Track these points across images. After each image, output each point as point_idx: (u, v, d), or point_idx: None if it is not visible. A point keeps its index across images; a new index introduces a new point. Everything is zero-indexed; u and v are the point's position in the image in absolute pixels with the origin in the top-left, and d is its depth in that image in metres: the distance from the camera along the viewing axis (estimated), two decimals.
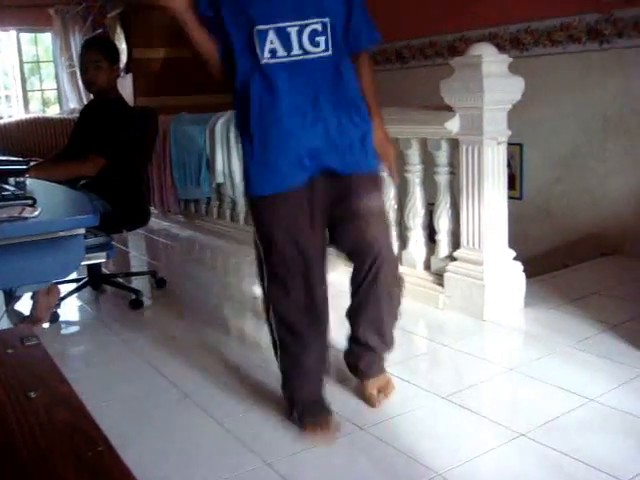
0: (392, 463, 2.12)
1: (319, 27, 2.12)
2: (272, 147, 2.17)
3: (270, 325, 2.38)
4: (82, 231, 1.69)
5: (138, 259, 5.34)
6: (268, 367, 2.69)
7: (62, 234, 1.66)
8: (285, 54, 2.12)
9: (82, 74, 3.86)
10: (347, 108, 2.22)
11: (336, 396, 2.47)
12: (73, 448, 0.81)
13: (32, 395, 0.97)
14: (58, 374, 1.03)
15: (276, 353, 2.41)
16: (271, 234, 2.23)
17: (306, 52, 2.13)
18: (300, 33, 2.11)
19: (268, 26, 2.09)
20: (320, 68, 2.16)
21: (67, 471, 0.75)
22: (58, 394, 0.97)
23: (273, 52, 2.11)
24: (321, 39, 2.14)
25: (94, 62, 3.73)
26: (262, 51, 2.11)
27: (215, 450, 2.23)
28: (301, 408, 2.31)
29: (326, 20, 2.13)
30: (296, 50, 2.12)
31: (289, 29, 2.10)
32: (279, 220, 2.21)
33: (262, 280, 2.37)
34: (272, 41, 2.10)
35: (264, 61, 2.12)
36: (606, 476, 1.97)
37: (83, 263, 1.76)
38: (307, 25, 2.11)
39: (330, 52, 2.16)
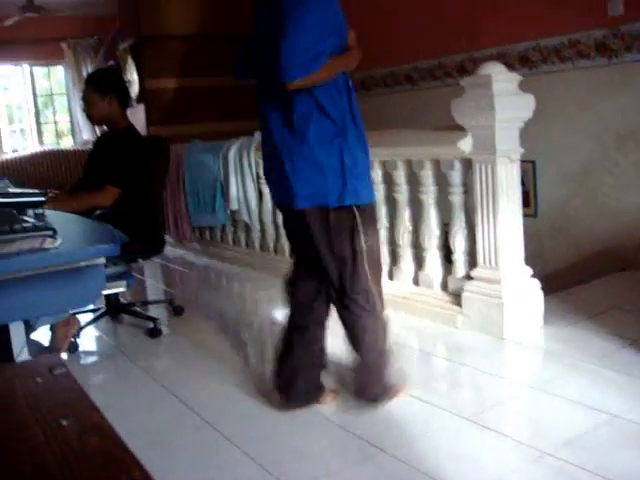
0: None
1: None
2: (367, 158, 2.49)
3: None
4: (103, 260, 1.71)
5: (155, 287, 5.35)
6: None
7: (83, 264, 1.68)
8: None
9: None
10: None
11: (358, 419, 2.46)
12: (107, 475, 0.81)
13: (64, 423, 0.97)
14: (88, 402, 1.04)
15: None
16: (375, 237, 2.54)
17: None
18: None
19: None
20: None
21: None
22: (89, 422, 0.97)
23: None
24: None
25: (85, 96, 3.89)
26: None
27: (238, 476, 2.22)
28: None
29: None
30: None
31: None
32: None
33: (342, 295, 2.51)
34: None
35: None
36: None
37: (104, 292, 1.79)
38: None
39: None
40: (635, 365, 2.83)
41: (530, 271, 3.42)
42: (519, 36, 4.92)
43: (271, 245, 5.20)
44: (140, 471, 0.80)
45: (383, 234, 4.08)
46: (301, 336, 2.61)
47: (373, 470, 2.21)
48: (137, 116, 6.81)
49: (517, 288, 3.36)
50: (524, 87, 3.30)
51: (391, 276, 4.03)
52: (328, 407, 2.65)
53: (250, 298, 4.82)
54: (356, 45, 2.41)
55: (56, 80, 9.15)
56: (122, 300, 4.26)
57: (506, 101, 3.18)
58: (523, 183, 3.50)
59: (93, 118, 3.96)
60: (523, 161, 3.42)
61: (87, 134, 8.62)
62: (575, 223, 4.74)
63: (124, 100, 3.91)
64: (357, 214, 2.40)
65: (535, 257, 3.58)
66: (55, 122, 9.27)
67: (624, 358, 2.92)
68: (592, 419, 2.40)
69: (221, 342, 3.60)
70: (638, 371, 2.77)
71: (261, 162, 2.97)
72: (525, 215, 3.50)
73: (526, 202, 4.42)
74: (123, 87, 3.98)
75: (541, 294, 3.43)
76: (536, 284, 3.43)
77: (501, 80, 3.20)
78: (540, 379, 2.82)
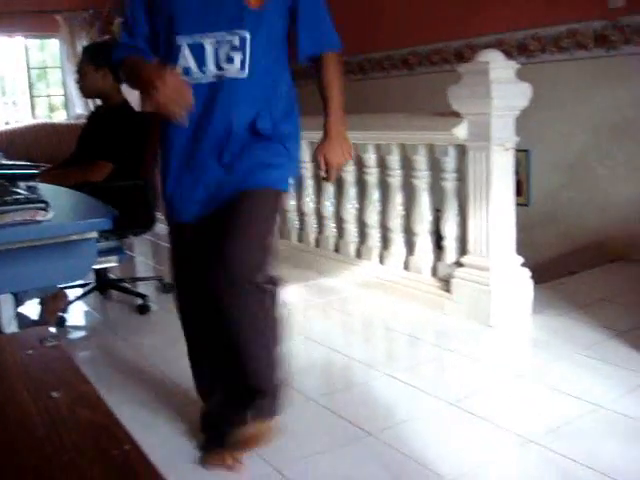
0: (401, 469, 2.12)
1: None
2: None
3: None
4: (95, 234, 1.70)
5: (144, 264, 5.34)
6: None
7: (75, 237, 1.67)
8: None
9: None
10: None
11: (344, 401, 2.48)
12: (98, 446, 0.81)
13: (54, 395, 0.98)
14: (79, 374, 1.04)
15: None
16: None
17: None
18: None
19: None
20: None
21: (92, 469, 0.76)
22: (81, 394, 0.97)
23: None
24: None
25: (80, 69, 3.86)
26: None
27: None
28: None
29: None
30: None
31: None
32: None
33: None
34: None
35: None
36: None
37: (95, 266, 1.78)
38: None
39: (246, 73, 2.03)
40: (621, 356, 2.86)
41: (520, 260, 3.43)
42: (518, 24, 4.91)
43: None
44: (131, 443, 0.81)
45: (375, 218, 4.09)
46: None
47: (358, 452, 2.22)
48: (131, 92, 6.75)
49: (506, 276, 3.37)
50: (521, 76, 3.29)
51: (381, 260, 4.04)
52: (314, 389, 2.66)
53: None
54: None
55: (50, 53, 9.06)
56: (111, 276, 4.25)
57: (503, 89, 3.18)
58: (516, 172, 3.51)
59: (86, 91, 3.93)
60: (517, 150, 3.42)
61: (80, 108, 8.54)
62: (567, 213, 4.75)
63: (118, 75, 3.88)
64: None
65: (526, 246, 3.59)
66: (48, 95, 9.19)
67: (611, 349, 2.94)
68: (577, 408, 2.43)
69: None
70: (624, 362, 2.79)
71: None
72: (517, 204, 3.50)
73: (519, 191, 4.42)
74: None
75: (531, 283, 3.45)
76: (526, 273, 3.44)
77: (498, 68, 3.19)
78: (526, 367, 2.84)
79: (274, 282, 2.06)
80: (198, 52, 1.99)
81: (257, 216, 2.02)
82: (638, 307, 3.38)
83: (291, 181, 2.23)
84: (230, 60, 1.99)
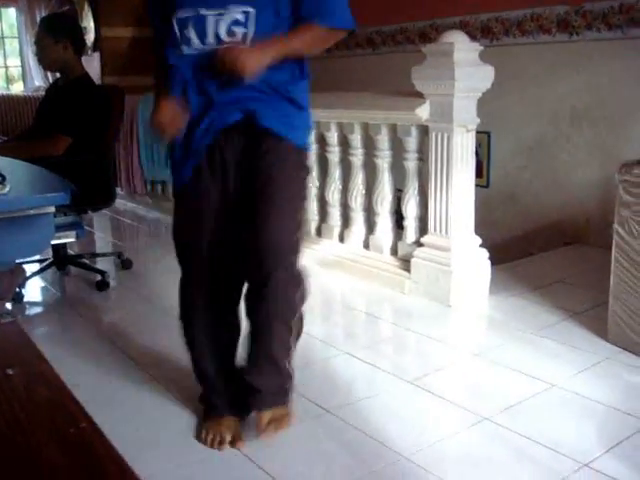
0: (359, 446, 2.14)
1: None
2: None
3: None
4: (52, 209, 1.67)
5: (104, 240, 5.29)
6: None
7: (32, 212, 1.64)
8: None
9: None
10: None
11: (303, 379, 2.49)
12: (54, 424, 0.80)
13: (10, 372, 0.96)
14: (35, 351, 1.03)
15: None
16: None
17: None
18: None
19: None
20: None
21: (48, 446, 0.75)
22: (37, 371, 0.96)
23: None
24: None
25: (38, 40, 3.77)
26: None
27: (180, 431, 2.23)
28: None
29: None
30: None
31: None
32: None
33: None
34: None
35: None
36: (566, 459, 2.01)
37: (52, 242, 1.75)
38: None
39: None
40: (575, 337, 2.91)
41: (479, 241, 3.47)
42: (482, 6, 4.92)
43: None
44: (87, 421, 0.80)
45: (336, 197, 4.09)
46: None
47: (317, 430, 2.24)
48: (92, 65, 6.64)
49: (465, 257, 3.40)
50: (484, 58, 3.31)
51: (342, 239, 4.05)
52: None
53: None
54: None
55: (7, 23, 8.86)
56: (70, 251, 4.19)
57: (466, 71, 3.19)
58: (477, 153, 3.54)
59: (45, 63, 3.85)
60: (478, 132, 3.45)
61: (39, 80, 8.39)
62: (525, 196, 4.81)
63: (79, 47, 3.80)
64: None
65: (484, 227, 3.63)
66: (6, 66, 9.00)
67: (565, 330, 3.00)
68: (531, 387, 2.47)
69: (169, 297, 3.58)
70: (577, 342, 2.85)
71: None
72: (477, 185, 3.54)
73: (479, 172, 4.47)
74: (78, 33, 3.87)
75: (488, 264, 3.49)
76: (484, 254, 3.48)
77: (463, 49, 3.21)
78: (483, 347, 2.88)
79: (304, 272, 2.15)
80: (199, 25, 1.97)
81: (286, 196, 2.05)
82: (592, 289, 3.44)
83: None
84: (232, 34, 1.96)
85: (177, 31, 2.01)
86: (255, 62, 1.93)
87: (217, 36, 1.97)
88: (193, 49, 2.00)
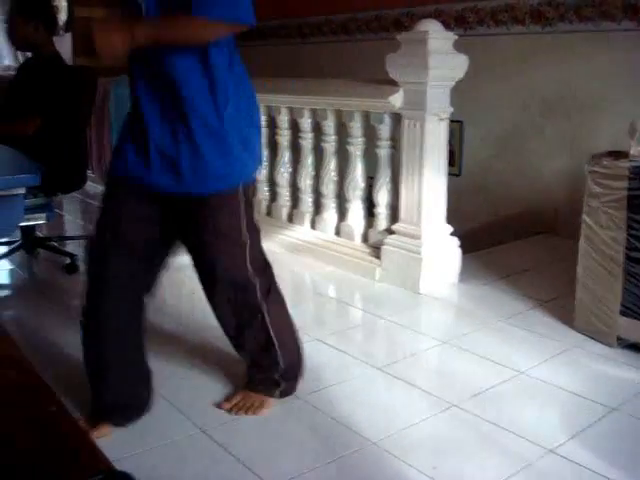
0: (327, 431, 2.15)
1: None
2: None
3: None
4: (22, 191, 1.66)
5: (73, 223, 5.24)
6: (206, 333, 2.70)
7: (1, 193, 1.63)
8: None
9: None
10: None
11: None
12: (24, 408, 0.80)
13: None
14: (4, 334, 1.01)
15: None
16: None
17: None
18: None
19: None
20: None
21: (17, 430, 0.74)
22: (5, 354, 0.95)
23: None
24: None
25: (8, 19, 3.73)
26: None
27: (152, 416, 2.22)
28: None
29: None
30: None
31: None
32: None
33: None
34: None
35: None
36: (532, 445, 2.04)
37: (22, 224, 1.73)
38: None
39: None
40: (543, 325, 2.95)
41: (450, 229, 3.50)
42: None
43: None
44: (57, 405, 0.79)
45: (308, 183, 4.09)
46: None
47: (285, 415, 2.24)
48: (64, 45, 6.53)
49: (436, 245, 3.43)
50: (458, 47, 3.32)
51: (313, 225, 4.06)
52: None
53: None
54: None
55: None
56: (39, 234, 4.15)
57: (440, 59, 3.20)
58: (450, 142, 3.55)
59: (16, 42, 3.78)
60: (451, 121, 3.47)
61: (9, 59, 8.24)
62: (497, 185, 4.84)
63: (51, 26, 3.75)
64: None
65: (456, 216, 3.65)
66: None
67: (533, 318, 3.04)
68: (499, 374, 2.50)
69: None
70: (545, 331, 2.89)
71: None
72: (449, 174, 3.56)
73: (451, 161, 4.48)
74: (50, 12, 3.82)
75: (459, 252, 3.52)
76: (455, 242, 3.51)
77: (437, 38, 3.22)
78: (451, 334, 2.91)
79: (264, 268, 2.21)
80: None
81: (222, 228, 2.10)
82: (561, 278, 3.48)
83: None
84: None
85: None
86: (113, 43, 1.89)
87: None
88: None
